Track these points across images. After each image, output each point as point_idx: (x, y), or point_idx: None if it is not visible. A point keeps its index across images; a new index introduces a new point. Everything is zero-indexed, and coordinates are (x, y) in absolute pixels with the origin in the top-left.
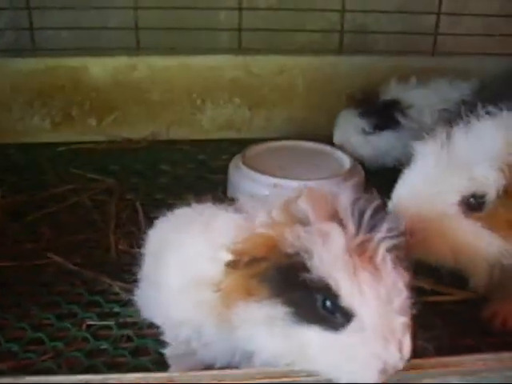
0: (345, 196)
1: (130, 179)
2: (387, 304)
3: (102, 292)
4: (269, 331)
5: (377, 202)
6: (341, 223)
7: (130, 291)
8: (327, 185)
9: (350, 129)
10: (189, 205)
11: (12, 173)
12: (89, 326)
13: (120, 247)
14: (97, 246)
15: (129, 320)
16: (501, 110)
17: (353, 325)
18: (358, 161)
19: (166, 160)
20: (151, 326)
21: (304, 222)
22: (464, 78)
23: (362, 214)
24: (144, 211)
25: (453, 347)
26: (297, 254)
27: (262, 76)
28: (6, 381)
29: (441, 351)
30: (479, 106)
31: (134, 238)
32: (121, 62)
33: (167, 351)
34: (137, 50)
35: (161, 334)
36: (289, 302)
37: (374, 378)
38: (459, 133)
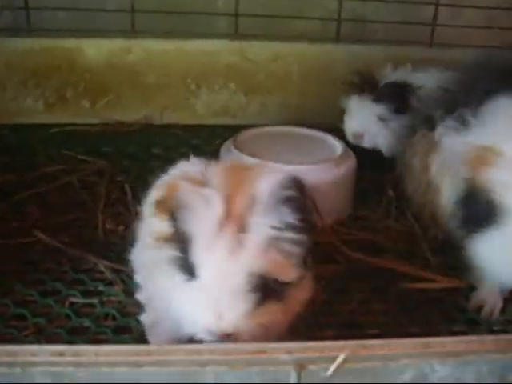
0: (269, 180)
1: (123, 162)
2: (230, 272)
3: (87, 271)
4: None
5: (296, 198)
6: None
7: (116, 270)
8: (318, 170)
9: (367, 116)
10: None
11: (2, 152)
12: (72, 304)
13: (107, 226)
14: (85, 225)
15: (113, 299)
16: None
17: (196, 281)
18: (375, 150)
19: (158, 144)
20: (135, 305)
21: (204, 185)
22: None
23: (270, 200)
24: (134, 193)
25: (438, 335)
26: (179, 206)
27: (258, 62)
28: None
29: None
30: None
31: (122, 218)
32: (116, 44)
33: (142, 318)
34: (133, 32)
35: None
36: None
37: (204, 332)
38: None
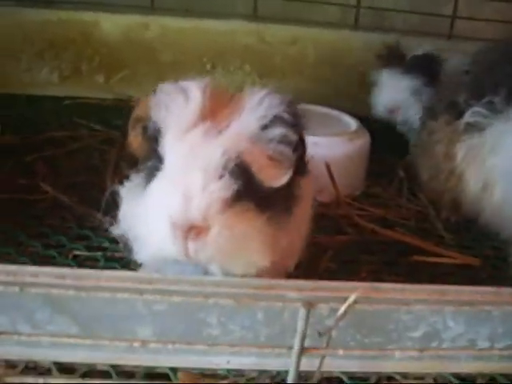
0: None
1: None
2: (203, 154)
3: (92, 228)
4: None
5: (287, 108)
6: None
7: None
8: (332, 142)
9: (400, 90)
10: None
11: (13, 119)
12: (75, 256)
13: (116, 189)
14: (92, 187)
15: (117, 255)
16: None
17: (161, 172)
18: (396, 131)
19: None
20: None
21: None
22: None
23: (256, 102)
24: None
25: None
26: (155, 104)
27: (274, 45)
28: None
29: None
30: None
31: None
32: (134, 20)
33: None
34: (151, 9)
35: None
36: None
37: (166, 227)
38: None
